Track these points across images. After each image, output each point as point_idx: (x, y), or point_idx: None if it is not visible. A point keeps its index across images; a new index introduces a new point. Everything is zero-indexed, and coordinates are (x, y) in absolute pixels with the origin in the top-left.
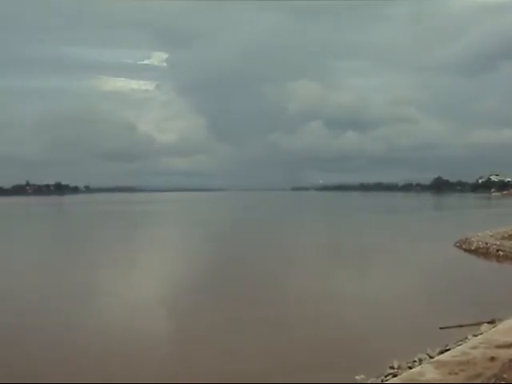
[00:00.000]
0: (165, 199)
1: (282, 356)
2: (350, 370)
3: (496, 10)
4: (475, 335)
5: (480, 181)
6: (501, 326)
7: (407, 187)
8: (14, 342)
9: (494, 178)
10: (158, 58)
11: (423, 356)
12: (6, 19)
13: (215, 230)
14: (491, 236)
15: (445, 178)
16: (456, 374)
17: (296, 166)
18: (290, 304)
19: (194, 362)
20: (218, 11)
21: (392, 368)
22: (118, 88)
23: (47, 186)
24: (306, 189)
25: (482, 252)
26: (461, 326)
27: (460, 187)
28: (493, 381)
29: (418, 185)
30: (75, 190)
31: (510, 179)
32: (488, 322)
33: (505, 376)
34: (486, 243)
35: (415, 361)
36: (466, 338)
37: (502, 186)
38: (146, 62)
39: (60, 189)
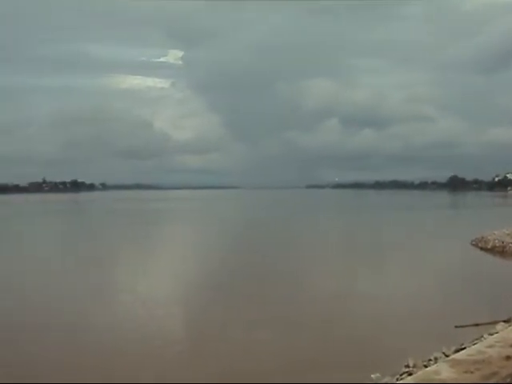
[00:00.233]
0: (180, 197)
1: (296, 354)
2: (365, 369)
3: (510, 8)
4: (491, 334)
5: (496, 179)
6: None
7: (423, 185)
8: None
9: (510, 177)
10: (174, 55)
11: (439, 354)
12: (23, 18)
13: (231, 227)
14: (508, 234)
15: (461, 176)
16: (471, 372)
17: (311, 164)
18: (305, 302)
19: (206, 360)
20: (233, 10)
21: (407, 366)
22: (134, 86)
23: (63, 183)
24: (322, 187)
25: (499, 250)
26: (476, 324)
27: (476, 185)
28: (508, 380)
29: (434, 183)
30: (91, 187)
31: None
32: (504, 321)
33: None
34: (503, 242)
35: (431, 359)
36: (482, 336)
37: None
38: (161, 59)
39: (76, 186)
